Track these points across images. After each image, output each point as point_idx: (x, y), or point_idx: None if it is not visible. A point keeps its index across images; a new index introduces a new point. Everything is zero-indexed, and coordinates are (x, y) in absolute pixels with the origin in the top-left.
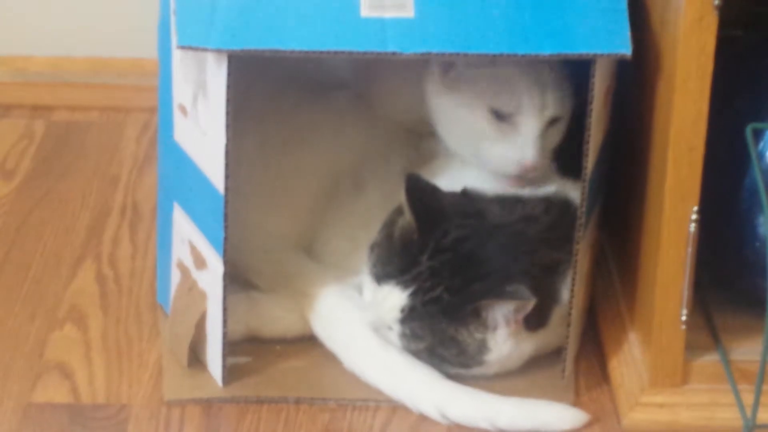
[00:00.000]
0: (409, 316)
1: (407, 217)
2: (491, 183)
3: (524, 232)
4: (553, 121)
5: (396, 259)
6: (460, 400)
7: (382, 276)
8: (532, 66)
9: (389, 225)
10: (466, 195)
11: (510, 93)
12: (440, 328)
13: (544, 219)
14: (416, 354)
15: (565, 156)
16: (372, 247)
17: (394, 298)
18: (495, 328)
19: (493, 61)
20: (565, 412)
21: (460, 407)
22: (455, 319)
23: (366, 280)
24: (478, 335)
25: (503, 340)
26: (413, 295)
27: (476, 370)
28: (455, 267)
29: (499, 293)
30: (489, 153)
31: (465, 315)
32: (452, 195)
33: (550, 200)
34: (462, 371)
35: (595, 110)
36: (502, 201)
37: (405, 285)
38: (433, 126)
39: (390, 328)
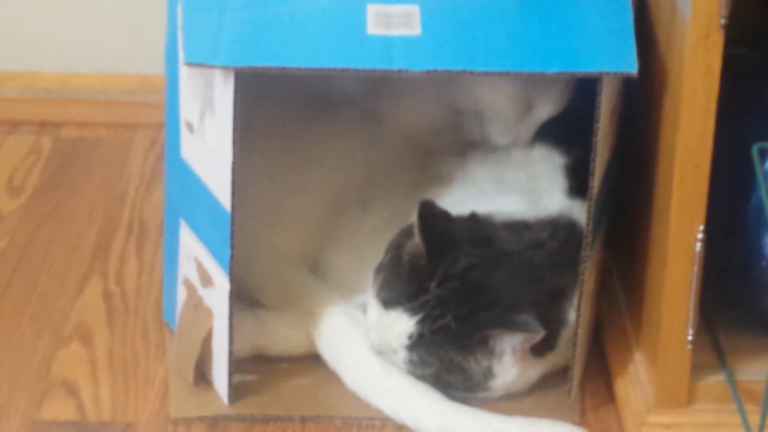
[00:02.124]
0: (416, 343)
1: (417, 242)
2: (501, 205)
3: (531, 260)
4: None
5: (404, 285)
6: (463, 421)
7: (389, 301)
8: None
9: (396, 247)
10: (474, 219)
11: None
12: (448, 356)
13: (550, 245)
14: (421, 379)
15: (572, 176)
16: (378, 270)
17: (402, 324)
18: (502, 356)
19: None
20: (568, 431)
21: (464, 428)
22: (463, 348)
23: (371, 302)
24: (484, 363)
25: (509, 366)
26: (421, 322)
27: (481, 395)
28: (463, 295)
29: (508, 324)
30: (497, 120)
31: (473, 343)
32: (462, 221)
33: (555, 223)
34: (467, 395)
35: (601, 129)
36: (510, 226)
37: (413, 312)
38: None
39: (395, 352)
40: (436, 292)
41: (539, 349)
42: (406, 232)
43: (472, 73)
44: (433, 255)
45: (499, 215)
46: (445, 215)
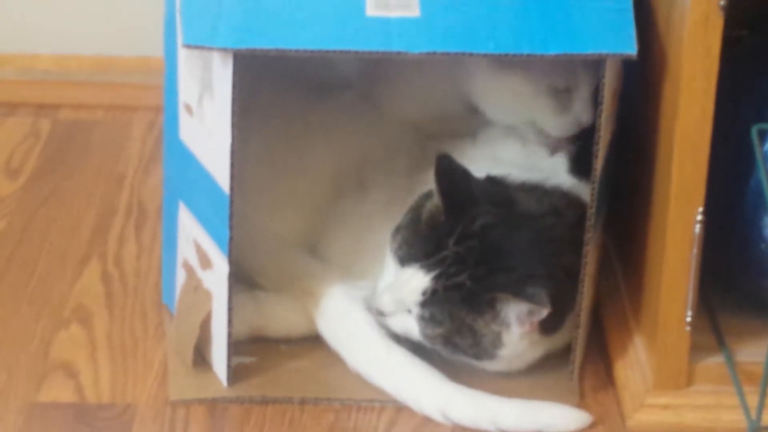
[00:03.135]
0: (430, 299)
1: (435, 200)
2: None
3: (552, 228)
4: None
5: (422, 242)
6: (462, 401)
7: (406, 258)
8: None
9: (416, 209)
10: (492, 181)
11: (566, 70)
12: (459, 315)
13: (568, 215)
14: (431, 340)
15: (576, 157)
16: (397, 230)
17: (417, 280)
18: (509, 325)
19: None
20: (568, 413)
21: (463, 409)
22: (473, 307)
23: (389, 262)
24: (494, 327)
25: (518, 338)
26: (436, 278)
27: (486, 364)
28: (481, 255)
29: (517, 291)
30: (547, 122)
31: (482, 304)
32: (482, 180)
33: (569, 196)
34: (473, 362)
35: (604, 111)
36: (528, 189)
37: (429, 268)
38: (475, 102)
39: (409, 312)
40: (454, 249)
41: (548, 328)
42: (427, 195)
43: (471, 55)
44: (451, 211)
45: (513, 177)
46: (463, 171)
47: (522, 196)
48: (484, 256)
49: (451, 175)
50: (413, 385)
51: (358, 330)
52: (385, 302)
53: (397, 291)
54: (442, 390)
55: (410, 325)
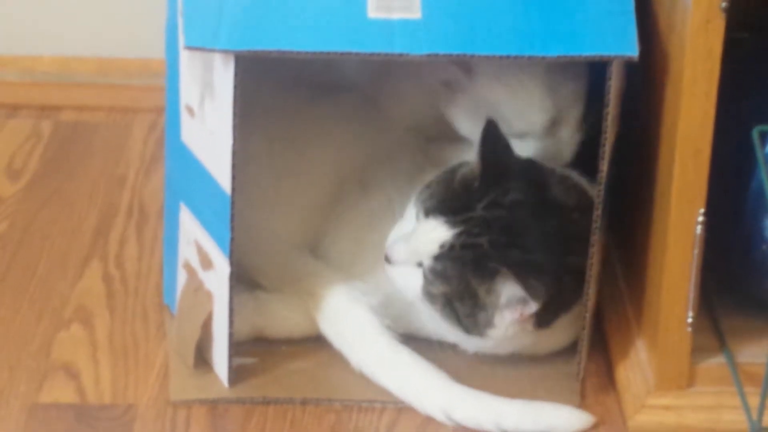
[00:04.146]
0: (446, 254)
1: (472, 165)
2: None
3: (577, 224)
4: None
5: (452, 198)
6: (465, 402)
7: (432, 209)
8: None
9: (449, 172)
10: (531, 163)
11: (521, 108)
12: (466, 276)
13: (586, 213)
14: (432, 300)
15: (582, 159)
16: (428, 184)
17: (439, 232)
18: (501, 307)
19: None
20: (570, 414)
21: (466, 409)
22: (481, 272)
23: (410, 213)
24: (492, 300)
25: (510, 323)
26: (457, 235)
27: (473, 341)
28: (505, 226)
29: (520, 275)
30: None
31: (488, 271)
32: (522, 159)
33: (589, 196)
34: (461, 337)
35: (610, 113)
36: (559, 180)
37: (453, 224)
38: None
39: (419, 264)
40: (482, 214)
41: (542, 321)
42: (460, 165)
43: (472, 56)
44: (486, 178)
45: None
46: (506, 143)
47: (554, 183)
48: (507, 228)
49: (494, 144)
50: (416, 385)
51: (360, 329)
52: (398, 250)
53: (414, 240)
54: (445, 390)
55: (413, 281)
